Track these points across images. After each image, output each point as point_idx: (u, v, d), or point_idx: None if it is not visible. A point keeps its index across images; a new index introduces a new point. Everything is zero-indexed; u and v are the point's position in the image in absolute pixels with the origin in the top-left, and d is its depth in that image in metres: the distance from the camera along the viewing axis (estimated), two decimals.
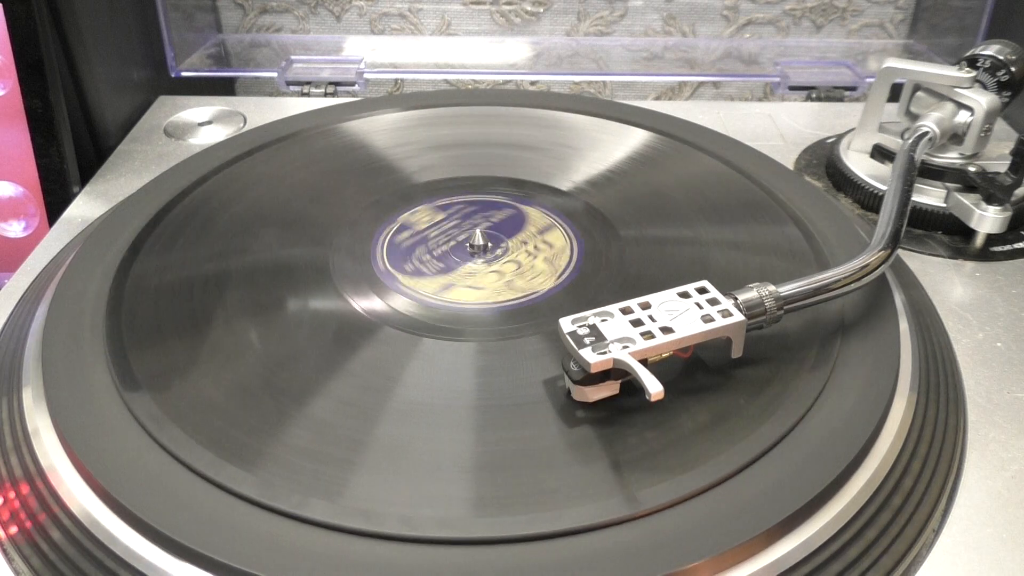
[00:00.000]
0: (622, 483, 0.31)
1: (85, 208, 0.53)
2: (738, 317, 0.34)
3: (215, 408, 0.34)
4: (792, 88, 0.70)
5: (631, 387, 0.33)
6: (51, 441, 0.34)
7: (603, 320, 0.34)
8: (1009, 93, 0.51)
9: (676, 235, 0.45)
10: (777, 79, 0.72)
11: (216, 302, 0.40)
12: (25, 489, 0.33)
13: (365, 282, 0.42)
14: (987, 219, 0.47)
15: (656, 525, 0.29)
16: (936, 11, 0.77)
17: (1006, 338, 0.42)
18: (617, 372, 0.33)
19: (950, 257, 0.48)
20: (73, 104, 0.59)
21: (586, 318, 0.34)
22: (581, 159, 0.52)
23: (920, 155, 0.47)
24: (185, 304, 0.40)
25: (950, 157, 0.51)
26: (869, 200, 0.53)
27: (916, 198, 0.50)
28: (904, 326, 0.39)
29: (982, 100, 0.50)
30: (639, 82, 0.84)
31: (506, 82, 0.83)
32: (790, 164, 0.58)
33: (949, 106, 0.51)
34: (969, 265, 0.48)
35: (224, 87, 0.83)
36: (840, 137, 0.58)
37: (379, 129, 0.55)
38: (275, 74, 0.71)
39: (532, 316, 0.39)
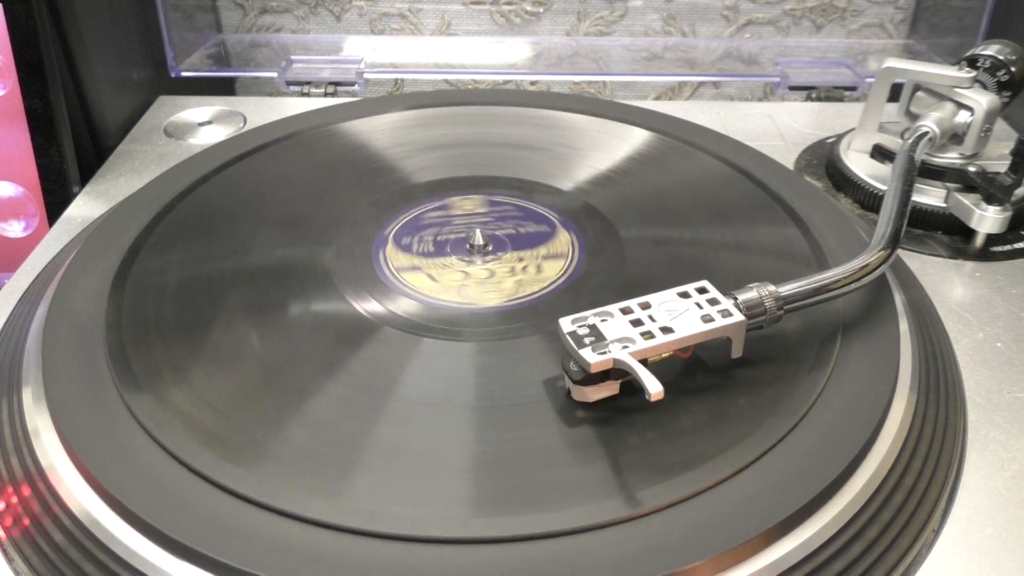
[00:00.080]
0: (622, 483, 0.31)
1: (85, 208, 0.53)
2: (738, 317, 0.34)
3: (215, 408, 0.34)
4: (792, 88, 0.71)
5: (631, 387, 0.33)
6: (51, 441, 0.34)
7: (603, 320, 0.34)
8: (1009, 93, 0.51)
9: (676, 235, 0.45)
10: (777, 79, 0.72)
11: (216, 302, 0.40)
12: (25, 489, 0.33)
13: (365, 282, 0.42)
14: (987, 219, 0.47)
15: (656, 525, 0.29)
16: (936, 11, 0.77)
17: (1006, 338, 0.42)
18: (617, 372, 0.33)
19: (950, 257, 0.48)
20: (73, 104, 0.59)
21: (586, 318, 0.34)
22: (581, 159, 0.52)
23: (920, 155, 0.47)
24: (185, 304, 0.40)
25: (950, 157, 0.51)
26: (869, 200, 0.53)
27: (916, 198, 0.50)
28: (904, 326, 0.39)
29: (982, 100, 0.50)
30: (639, 82, 0.84)
31: (506, 82, 0.83)
32: (790, 164, 0.58)
33: (949, 106, 0.51)
34: (969, 265, 0.48)
35: (224, 87, 0.83)
36: (840, 137, 0.58)
37: (379, 129, 0.55)
38: (275, 74, 0.71)
39: (532, 316, 0.39)
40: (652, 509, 0.30)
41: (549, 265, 0.43)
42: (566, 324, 0.34)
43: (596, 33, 0.80)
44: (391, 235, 0.45)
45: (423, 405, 0.34)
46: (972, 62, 0.52)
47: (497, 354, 0.37)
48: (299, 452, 0.32)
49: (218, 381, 0.35)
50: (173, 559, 0.29)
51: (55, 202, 0.55)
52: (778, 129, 0.63)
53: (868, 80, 0.70)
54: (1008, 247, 0.49)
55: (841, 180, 0.54)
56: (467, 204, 0.48)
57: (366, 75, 0.71)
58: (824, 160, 0.58)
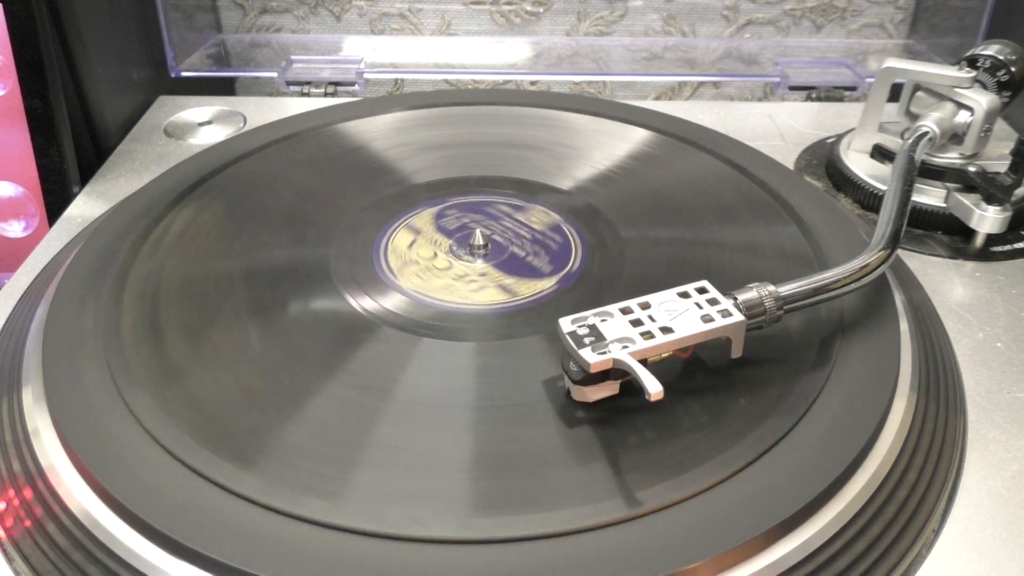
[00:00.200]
0: (622, 483, 0.31)
1: (85, 208, 0.53)
2: (738, 317, 0.34)
3: (215, 407, 0.34)
4: (792, 88, 0.70)
5: (631, 387, 0.33)
6: (51, 441, 0.34)
7: (603, 320, 0.34)
8: (1009, 93, 0.51)
9: (676, 235, 0.45)
10: (777, 79, 0.72)
11: (216, 302, 0.40)
12: (25, 489, 0.33)
13: (365, 282, 0.42)
14: (987, 219, 0.47)
15: (656, 525, 0.29)
16: (936, 11, 0.77)
17: (1006, 338, 0.42)
18: (617, 372, 0.33)
19: (950, 257, 0.48)
20: (73, 104, 0.59)
21: (586, 318, 0.34)
22: (582, 159, 0.52)
23: (920, 155, 0.47)
24: (185, 304, 0.40)
25: (950, 157, 0.51)
26: (869, 200, 0.53)
27: (916, 198, 0.50)
28: (904, 326, 0.39)
29: (982, 100, 0.50)
30: (639, 82, 0.84)
31: (506, 82, 0.83)
32: (790, 164, 0.58)
33: (949, 106, 0.51)
34: (969, 265, 0.48)
35: (224, 87, 0.83)
36: (840, 137, 0.58)
37: (379, 129, 0.55)
38: (275, 74, 0.71)
39: (532, 316, 0.39)
40: (652, 509, 0.30)
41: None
42: (566, 324, 0.34)
43: (596, 33, 0.80)
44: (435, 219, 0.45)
45: (423, 405, 0.34)
46: (972, 62, 0.52)
47: (497, 354, 0.37)
48: (299, 452, 0.32)
49: (218, 381, 0.35)
50: (173, 559, 0.29)
51: (55, 202, 0.55)
52: (778, 129, 0.63)
53: (868, 80, 0.70)
54: (1008, 247, 0.49)
55: (841, 180, 0.54)
56: (533, 216, 0.47)
57: (366, 75, 0.71)
58: (824, 160, 0.58)
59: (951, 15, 0.75)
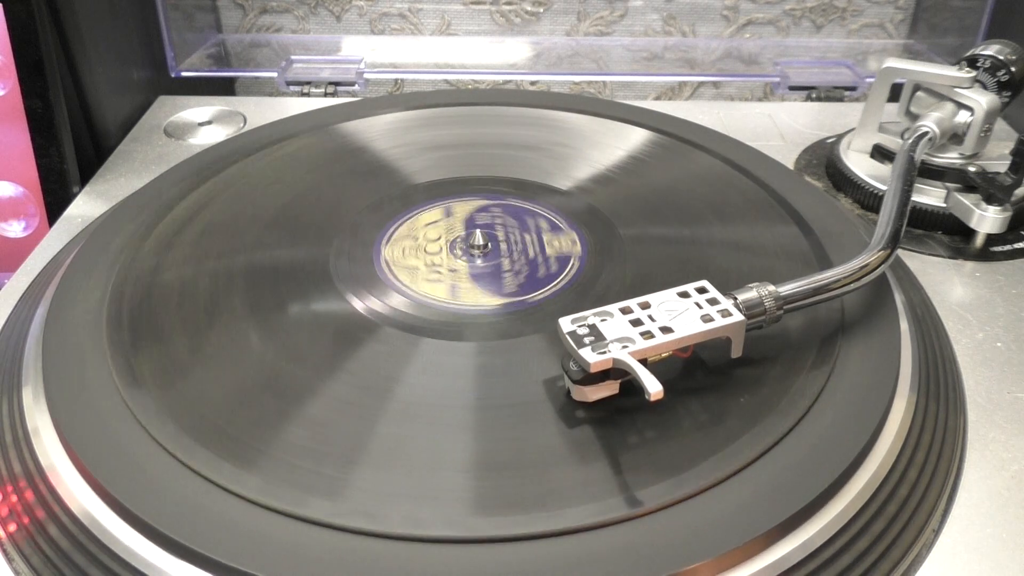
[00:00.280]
0: (622, 483, 0.31)
1: (85, 208, 0.53)
2: (738, 317, 0.34)
3: (215, 407, 0.34)
4: (792, 88, 0.71)
5: (631, 387, 0.33)
6: (51, 440, 0.34)
7: (603, 320, 0.34)
8: (1009, 93, 0.51)
9: (676, 235, 0.45)
10: (777, 79, 0.72)
11: (216, 301, 0.40)
12: (25, 489, 0.33)
13: (365, 282, 0.42)
14: (987, 219, 0.47)
15: (656, 525, 0.29)
16: (936, 11, 0.77)
17: (1006, 338, 0.42)
18: (617, 372, 0.33)
19: (950, 257, 0.48)
20: (73, 104, 0.59)
21: (585, 318, 0.34)
22: (581, 159, 0.52)
23: (920, 155, 0.47)
24: (185, 304, 0.40)
25: (950, 157, 0.51)
26: (869, 200, 0.53)
27: (916, 198, 0.50)
28: (904, 326, 0.39)
29: (982, 100, 0.50)
30: (639, 82, 0.84)
31: (506, 82, 0.83)
32: (790, 164, 0.58)
33: (949, 106, 0.51)
34: (969, 265, 0.48)
35: (224, 87, 0.83)
36: (840, 137, 0.58)
37: (379, 129, 0.55)
38: (275, 74, 0.71)
39: (532, 316, 0.39)
40: (652, 509, 0.30)
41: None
42: (566, 324, 0.34)
43: (596, 33, 0.80)
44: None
45: (423, 405, 0.34)
46: (972, 62, 0.52)
47: (497, 354, 0.37)
48: (299, 452, 0.32)
49: (218, 381, 0.35)
50: (173, 559, 0.29)
51: (55, 202, 0.55)
52: (778, 129, 0.63)
53: (868, 80, 0.70)
54: (1008, 247, 0.49)
55: (841, 180, 0.54)
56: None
57: (366, 75, 0.72)
58: (824, 160, 0.58)
59: (951, 15, 0.75)
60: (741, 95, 0.84)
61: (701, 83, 0.84)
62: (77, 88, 0.60)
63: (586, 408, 0.34)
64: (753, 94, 0.84)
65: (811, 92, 0.70)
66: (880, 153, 0.53)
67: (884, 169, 0.53)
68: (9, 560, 0.31)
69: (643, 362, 0.32)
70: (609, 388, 0.33)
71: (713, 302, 0.35)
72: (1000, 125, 0.61)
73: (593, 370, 0.32)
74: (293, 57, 0.74)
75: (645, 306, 0.35)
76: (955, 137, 0.51)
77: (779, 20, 0.79)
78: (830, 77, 0.71)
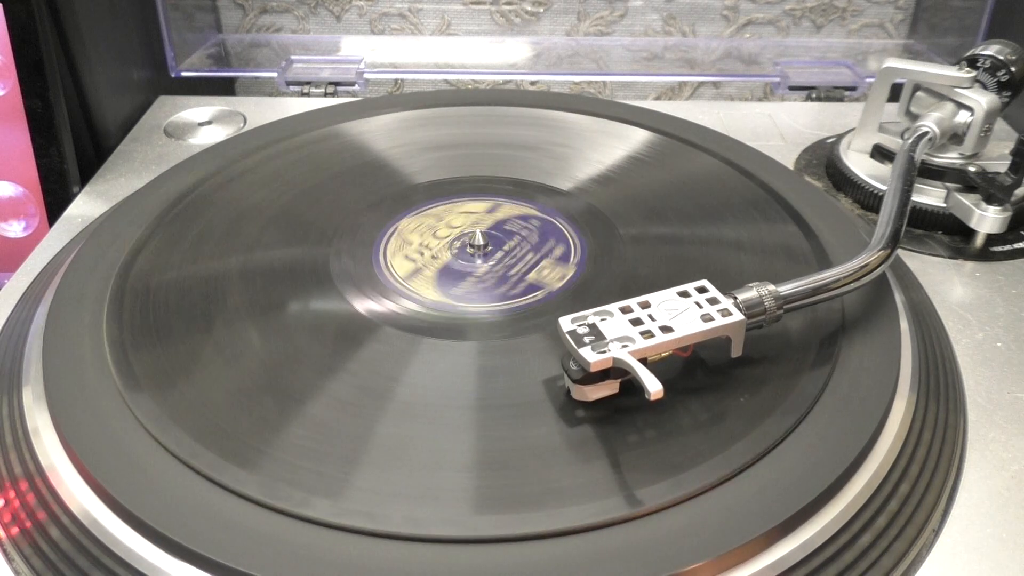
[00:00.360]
0: (622, 482, 0.31)
1: (85, 208, 0.53)
2: (738, 316, 0.34)
3: (216, 408, 0.34)
4: (792, 88, 0.71)
5: (631, 386, 0.33)
6: (51, 441, 0.34)
7: (603, 319, 0.34)
8: (1009, 93, 0.51)
9: (676, 235, 0.45)
10: (777, 79, 0.72)
11: (216, 302, 0.40)
12: (25, 488, 0.33)
13: (366, 282, 0.42)
14: (987, 219, 0.47)
15: (656, 525, 0.29)
16: (936, 11, 0.77)
17: (1006, 338, 0.42)
18: (617, 371, 0.33)
19: (950, 257, 0.48)
20: (73, 104, 0.59)
21: (585, 317, 0.34)
22: (581, 159, 0.52)
23: (920, 155, 0.47)
24: (185, 304, 0.40)
25: (950, 157, 0.51)
26: (869, 200, 0.53)
27: (916, 198, 0.50)
28: (904, 326, 0.39)
29: (982, 100, 0.50)
30: (639, 82, 0.84)
31: (506, 82, 0.83)
32: (790, 164, 0.58)
33: (949, 106, 0.51)
34: (969, 265, 0.48)
35: (224, 87, 0.83)
36: (840, 137, 0.58)
37: (379, 129, 0.55)
38: (275, 74, 0.71)
39: (532, 316, 0.39)
40: (652, 509, 0.30)
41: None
42: (565, 323, 0.34)
43: (596, 33, 0.80)
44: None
45: (423, 405, 0.34)
46: (972, 62, 0.52)
47: (497, 354, 0.37)
48: (300, 452, 0.32)
49: (218, 381, 0.35)
50: (173, 559, 0.29)
51: (55, 202, 0.55)
52: (778, 129, 0.63)
53: (868, 80, 0.70)
54: (1008, 247, 0.49)
55: (841, 180, 0.54)
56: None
57: (366, 75, 0.71)
58: (824, 160, 0.58)
59: (951, 15, 0.75)
60: (741, 95, 0.84)
61: (701, 83, 0.84)
62: (77, 88, 0.60)
63: (586, 408, 0.34)
64: (753, 94, 0.84)
65: (811, 92, 0.70)
66: (880, 153, 0.53)
67: (884, 169, 0.53)
68: (9, 560, 0.31)
69: (643, 361, 0.32)
70: (609, 387, 0.33)
71: (713, 301, 0.35)
72: (1000, 125, 0.61)
73: (593, 369, 0.32)
74: (293, 57, 0.74)
75: (645, 305, 0.35)
76: (955, 137, 0.51)
77: (779, 20, 0.79)
78: (830, 77, 0.71)
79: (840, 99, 0.69)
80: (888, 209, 0.41)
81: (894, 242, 0.39)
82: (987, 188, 0.48)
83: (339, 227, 0.46)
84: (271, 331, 0.38)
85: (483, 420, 0.34)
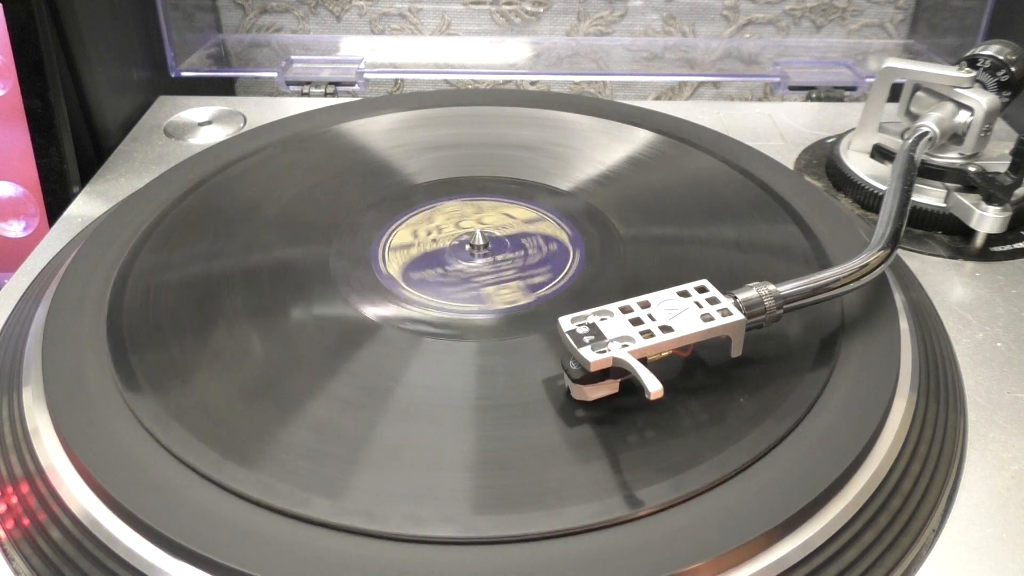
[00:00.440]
0: (622, 483, 0.31)
1: (85, 208, 0.53)
2: (737, 316, 0.34)
3: (215, 407, 0.34)
4: (792, 88, 0.70)
5: (631, 386, 0.33)
6: (51, 441, 0.34)
7: (602, 319, 0.34)
8: (1009, 93, 0.51)
9: (676, 235, 0.45)
10: (777, 79, 0.72)
11: (216, 302, 0.40)
12: (25, 489, 0.33)
13: (366, 282, 0.42)
14: (987, 219, 0.47)
15: (656, 525, 0.29)
16: (936, 11, 0.77)
17: (1006, 338, 0.42)
18: (616, 371, 0.33)
19: (950, 257, 0.48)
20: (73, 104, 0.59)
21: (585, 317, 0.34)
22: (581, 159, 0.52)
23: (920, 155, 0.47)
24: (185, 304, 0.40)
25: (950, 157, 0.51)
26: (869, 200, 0.53)
27: (916, 198, 0.50)
28: (904, 326, 0.39)
29: (982, 100, 0.50)
30: (639, 82, 0.84)
31: (506, 82, 0.83)
32: (790, 164, 0.58)
33: (949, 106, 0.51)
34: (969, 265, 0.48)
35: (224, 87, 0.83)
36: (840, 137, 0.58)
37: (379, 129, 0.55)
38: (275, 74, 0.71)
39: (532, 316, 0.39)
40: (652, 509, 0.30)
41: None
42: (565, 323, 0.34)
43: (596, 33, 0.80)
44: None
45: (423, 405, 0.34)
46: (972, 62, 0.52)
47: (497, 354, 0.37)
48: (299, 452, 0.32)
49: (218, 381, 0.35)
50: (173, 559, 0.29)
51: (55, 202, 0.55)
52: (778, 129, 0.63)
53: (868, 80, 0.70)
54: (1008, 247, 0.49)
55: (841, 180, 0.54)
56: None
57: (366, 75, 0.71)
58: (824, 160, 0.58)
59: (951, 15, 0.75)
60: (741, 95, 0.84)
61: (701, 83, 0.84)
62: (77, 88, 0.60)
63: (586, 407, 0.34)
64: (753, 94, 0.84)
65: (811, 92, 0.70)
66: (880, 153, 0.53)
67: (884, 169, 0.53)
68: (9, 560, 0.31)
69: (643, 361, 0.32)
70: (609, 387, 0.33)
71: (713, 301, 0.35)
72: (1000, 125, 0.61)
73: (593, 369, 0.32)
74: (293, 57, 0.74)
75: (645, 305, 0.35)
76: (955, 137, 0.51)
77: (779, 20, 0.79)
78: (830, 77, 0.71)
79: (840, 99, 0.69)
80: (888, 209, 0.41)
81: (894, 242, 0.39)
82: (987, 188, 0.48)
83: (339, 227, 0.46)
84: (270, 331, 0.38)
85: (483, 420, 0.34)
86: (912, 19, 0.79)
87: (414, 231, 0.45)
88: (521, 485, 0.31)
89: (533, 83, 0.83)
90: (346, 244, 0.44)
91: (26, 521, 0.32)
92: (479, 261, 0.43)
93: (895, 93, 0.54)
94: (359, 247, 0.44)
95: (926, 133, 0.49)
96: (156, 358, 0.36)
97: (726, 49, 0.79)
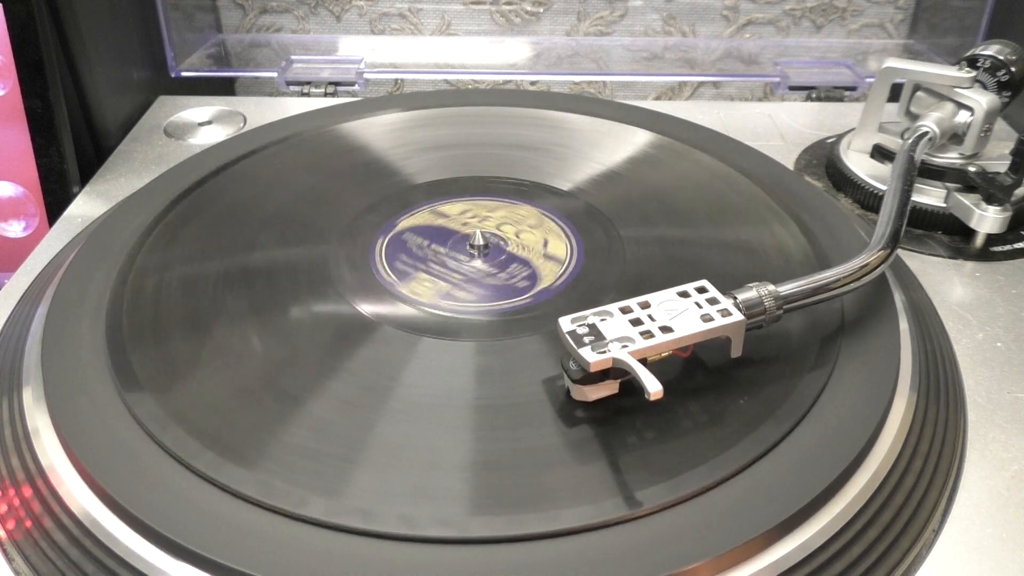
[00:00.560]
0: (621, 483, 0.31)
1: (85, 208, 0.53)
2: (737, 316, 0.34)
3: (215, 407, 0.34)
4: (792, 88, 0.70)
5: (630, 386, 0.33)
6: (51, 441, 0.34)
7: (602, 319, 0.34)
8: (1009, 93, 0.51)
9: (676, 235, 0.45)
10: (777, 79, 0.72)
11: (216, 302, 0.40)
12: (25, 489, 0.33)
13: (365, 282, 0.42)
14: (987, 219, 0.47)
15: (656, 525, 0.29)
16: (936, 11, 0.77)
17: (1006, 338, 0.42)
18: (616, 371, 0.33)
19: (950, 257, 0.48)
20: (73, 104, 0.59)
21: (585, 317, 0.34)
22: (581, 159, 0.52)
23: (920, 155, 0.47)
24: (185, 304, 0.40)
25: (950, 157, 0.51)
26: (869, 200, 0.53)
27: (916, 198, 0.50)
28: (904, 326, 0.39)
29: (982, 100, 0.50)
30: (639, 82, 0.84)
31: (506, 82, 0.83)
32: (790, 164, 0.58)
33: (949, 106, 0.51)
34: (969, 265, 0.48)
35: (224, 87, 0.83)
36: (840, 137, 0.58)
37: (379, 129, 0.55)
38: (275, 74, 0.71)
39: (532, 316, 0.39)
40: (652, 509, 0.30)
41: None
42: (565, 323, 0.34)
43: (596, 33, 0.80)
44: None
45: (422, 405, 0.34)
46: (972, 62, 0.52)
47: (496, 354, 0.37)
48: (298, 452, 0.32)
49: (218, 381, 0.35)
50: (172, 559, 0.29)
51: (55, 202, 0.55)
52: (778, 129, 0.63)
53: (868, 80, 0.70)
54: (1008, 247, 0.49)
55: (841, 180, 0.54)
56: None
57: (366, 75, 0.71)
58: (824, 160, 0.58)
59: (951, 15, 0.75)
60: (741, 95, 0.84)
61: (701, 83, 0.84)
62: (77, 88, 0.60)
63: (585, 408, 0.34)
64: (753, 94, 0.84)
65: (811, 92, 0.70)
66: (880, 153, 0.53)
67: (884, 169, 0.53)
68: (9, 560, 0.31)
69: (643, 362, 0.32)
70: (609, 388, 0.33)
71: (713, 302, 0.35)
72: (1000, 125, 0.61)
73: (593, 369, 0.32)
74: (293, 57, 0.74)
75: (645, 305, 0.35)
76: (955, 137, 0.51)
77: (779, 20, 0.79)
78: (830, 77, 0.71)
79: (840, 99, 0.69)
80: (888, 209, 0.41)
81: (894, 242, 0.39)
82: (987, 188, 0.48)
83: (339, 227, 0.46)
84: (270, 331, 0.38)
85: (482, 420, 0.34)
86: (912, 19, 0.79)
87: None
88: (520, 485, 0.31)
89: (533, 83, 0.83)
90: (345, 243, 0.44)
91: (26, 521, 0.32)
92: (472, 262, 0.43)
93: (895, 93, 0.54)
94: (358, 247, 0.44)
95: (926, 133, 0.49)
96: (156, 358, 0.36)
97: (726, 49, 0.79)
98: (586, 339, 0.33)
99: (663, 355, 0.34)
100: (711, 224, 0.46)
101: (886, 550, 0.31)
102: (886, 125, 0.55)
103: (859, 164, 0.54)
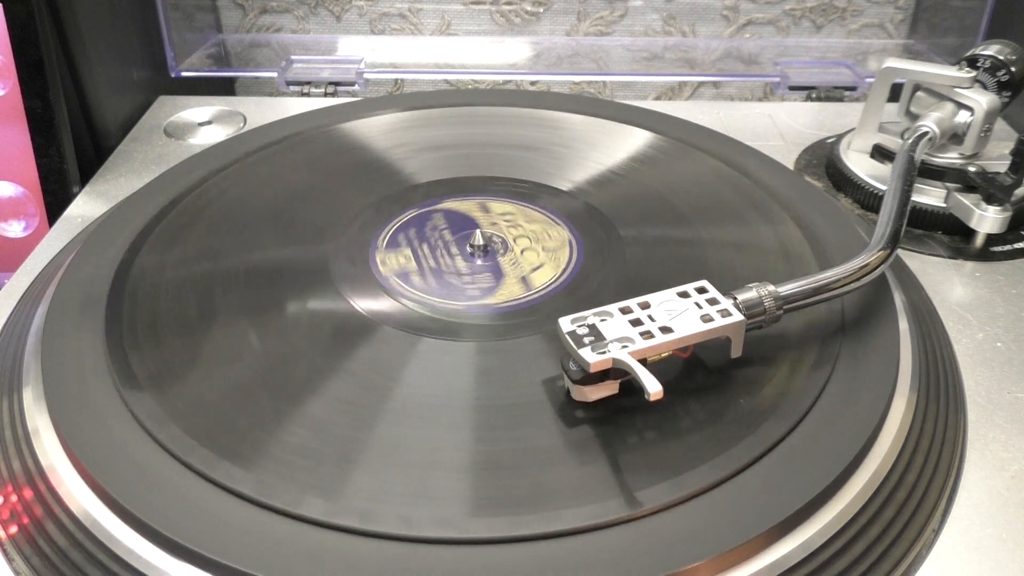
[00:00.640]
0: (621, 483, 0.31)
1: (85, 208, 0.53)
2: (737, 317, 0.34)
3: (214, 407, 0.34)
4: (792, 88, 0.70)
5: (630, 387, 0.33)
6: (51, 441, 0.34)
7: (602, 320, 0.34)
8: (1009, 93, 0.51)
9: (676, 235, 0.45)
10: (777, 79, 0.72)
11: (215, 301, 0.40)
12: (25, 489, 0.33)
13: (364, 282, 0.42)
14: (987, 219, 0.47)
15: (656, 525, 0.29)
16: (936, 11, 0.77)
17: (1006, 338, 0.42)
18: (616, 372, 0.33)
19: (950, 257, 0.48)
20: (73, 104, 0.59)
21: (585, 318, 0.34)
22: (581, 159, 0.52)
23: (920, 155, 0.47)
24: (185, 304, 0.40)
25: (950, 157, 0.51)
26: (869, 200, 0.53)
27: (916, 198, 0.50)
28: (904, 326, 0.39)
29: (982, 100, 0.50)
30: (639, 82, 0.84)
31: (506, 82, 0.83)
32: (790, 164, 0.58)
33: (949, 106, 0.51)
34: (969, 265, 0.48)
35: (224, 87, 0.83)
36: (840, 137, 0.58)
37: (379, 129, 0.55)
38: (275, 74, 0.71)
39: (531, 316, 0.39)
40: (652, 509, 0.30)
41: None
42: (565, 324, 0.34)
43: (596, 33, 0.80)
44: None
45: (422, 404, 0.34)
46: (972, 62, 0.52)
47: (496, 354, 0.37)
48: (298, 451, 0.32)
49: (217, 380, 0.35)
50: (172, 559, 0.29)
51: (55, 202, 0.55)
52: (778, 129, 0.63)
53: (868, 80, 0.70)
54: (1008, 247, 0.49)
55: (841, 180, 0.54)
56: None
57: (366, 75, 0.71)
58: (824, 160, 0.58)
59: (951, 15, 0.75)
60: (741, 95, 0.84)
61: (701, 83, 0.84)
62: (77, 88, 0.60)
63: (585, 408, 0.34)
64: (753, 94, 0.84)
65: (811, 92, 0.70)
66: (880, 153, 0.53)
67: (884, 169, 0.53)
68: (9, 560, 0.31)
69: (643, 362, 0.32)
70: (609, 388, 0.33)
71: (713, 302, 0.35)
72: (1000, 125, 0.61)
73: (593, 370, 0.32)
74: (293, 57, 0.74)
75: (645, 306, 0.35)
76: (955, 137, 0.51)
77: (779, 20, 0.79)
78: (830, 77, 0.71)
79: (840, 99, 0.69)
80: (888, 209, 0.41)
81: (894, 242, 0.39)
82: (987, 188, 0.48)
83: (339, 227, 0.46)
84: (269, 330, 0.38)
85: (481, 420, 0.34)
86: (912, 19, 0.79)
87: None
88: (520, 485, 0.31)
89: (533, 83, 0.83)
90: (345, 243, 0.44)
91: (26, 521, 0.32)
92: (465, 262, 0.43)
93: (895, 93, 0.54)
94: (358, 247, 0.44)
95: (926, 133, 0.49)
96: (156, 358, 0.36)
97: (726, 49, 0.79)
98: (586, 339, 0.33)
99: (663, 355, 0.34)
100: (711, 224, 0.46)
101: (886, 550, 0.31)
102: (886, 125, 0.55)
103: (859, 164, 0.54)
